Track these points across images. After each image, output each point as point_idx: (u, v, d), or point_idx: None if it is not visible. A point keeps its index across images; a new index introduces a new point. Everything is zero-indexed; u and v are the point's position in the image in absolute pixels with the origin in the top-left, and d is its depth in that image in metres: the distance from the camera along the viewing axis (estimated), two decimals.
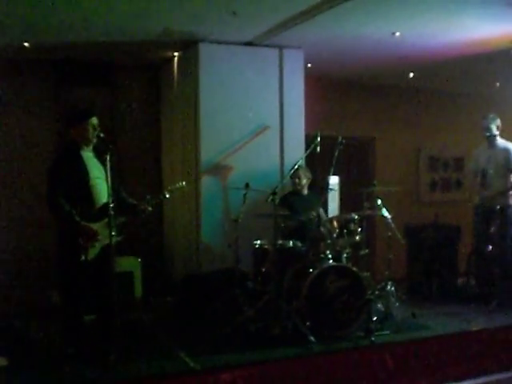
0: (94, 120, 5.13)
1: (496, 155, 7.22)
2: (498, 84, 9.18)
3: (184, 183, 5.69)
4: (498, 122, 7.24)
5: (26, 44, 6.85)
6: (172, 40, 6.92)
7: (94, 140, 5.12)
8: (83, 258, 4.90)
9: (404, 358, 5.34)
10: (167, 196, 5.52)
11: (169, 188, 5.63)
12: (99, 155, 5.14)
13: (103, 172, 5.01)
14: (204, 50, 6.92)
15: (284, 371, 4.93)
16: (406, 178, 9.67)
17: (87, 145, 5.14)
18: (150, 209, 5.37)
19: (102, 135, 5.06)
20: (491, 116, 7.26)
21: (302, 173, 6.75)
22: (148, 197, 5.41)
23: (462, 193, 9.89)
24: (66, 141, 5.51)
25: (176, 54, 7.57)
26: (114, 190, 5.01)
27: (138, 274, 6.71)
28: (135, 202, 5.40)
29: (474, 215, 7.50)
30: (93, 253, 4.97)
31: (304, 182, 6.79)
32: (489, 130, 7.23)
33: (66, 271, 5.11)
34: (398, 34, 6.61)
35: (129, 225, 5.31)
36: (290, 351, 5.30)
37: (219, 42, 6.94)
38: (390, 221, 6.48)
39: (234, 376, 4.71)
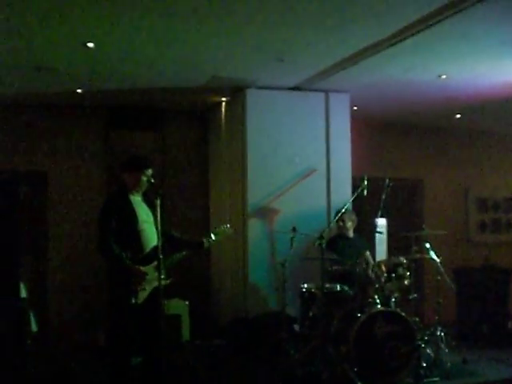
0: (150, 171, 5.19)
1: None
2: None
3: (228, 225, 5.70)
4: None
5: (79, 90, 7.09)
6: (220, 86, 7.06)
7: (145, 188, 5.22)
8: (133, 300, 4.96)
9: None
10: (213, 238, 5.54)
11: (215, 229, 5.64)
12: (148, 199, 5.23)
13: (151, 216, 5.10)
14: (251, 95, 7.05)
15: None
16: (454, 220, 9.58)
17: (137, 190, 5.24)
18: (208, 242, 5.43)
19: (152, 180, 5.15)
20: None
21: (346, 216, 6.73)
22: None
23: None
24: (116, 185, 5.61)
25: (224, 99, 7.71)
26: (163, 235, 5.07)
27: (185, 317, 6.74)
28: (190, 239, 5.46)
29: None
30: (142, 296, 5.02)
31: (349, 225, 6.77)
32: None
33: (116, 314, 5.14)
34: (444, 76, 6.62)
35: (180, 266, 5.36)
36: None
37: (266, 88, 7.06)
38: (438, 264, 6.39)
39: None
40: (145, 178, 5.15)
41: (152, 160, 5.49)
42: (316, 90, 7.24)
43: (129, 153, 6.95)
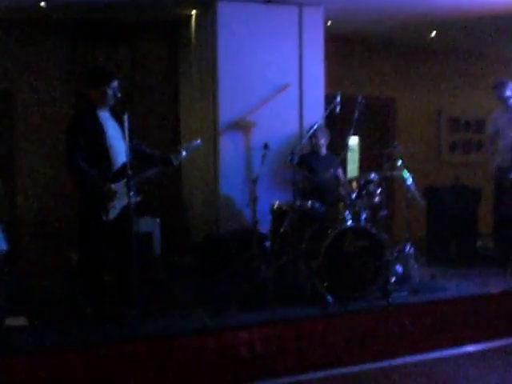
0: (115, 83, 5.08)
1: None
2: None
3: (199, 141, 5.59)
4: (510, 85, 7.16)
5: (42, 4, 6.80)
6: None
7: (112, 102, 5.08)
8: (104, 217, 4.91)
9: (421, 319, 5.36)
10: (184, 154, 5.44)
11: (184, 145, 5.57)
12: (116, 115, 5.12)
13: (120, 132, 5.00)
14: (222, 8, 6.83)
15: (301, 331, 4.96)
16: (426, 139, 9.62)
17: (105, 106, 5.12)
18: (180, 158, 5.37)
19: (119, 95, 5.02)
20: (502, 81, 7.23)
21: (319, 133, 6.69)
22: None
23: (482, 154, 9.79)
24: (83, 101, 5.47)
25: (194, 12, 7.48)
26: (133, 149, 4.99)
27: (157, 234, 6.73)
28: (161, 154, 5.39)
29: (493, 178, 7.43)
30: (113, 213, 4.98)
31: (322, 141, 6.74)
32: (501, 95, 7.19)
33: (87, 231, 5.12)
34: None
35: (150, 183, 5.31)
36: (307, 311, 5.31)
37: (237, 0, 6.85)
38: (409, 182, 6.41)
39: (252, 335, 4.76)
40: (110, 92, 5.01)
41: (119, 75, 5.30)
42: (289, 3, 7.04)
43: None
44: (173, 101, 8.27)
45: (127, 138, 4.85)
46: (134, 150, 5.14)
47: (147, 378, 4.44)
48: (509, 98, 7.17)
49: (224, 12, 6.85)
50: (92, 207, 4.95)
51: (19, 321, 5.11)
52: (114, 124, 5.14)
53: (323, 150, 6.81)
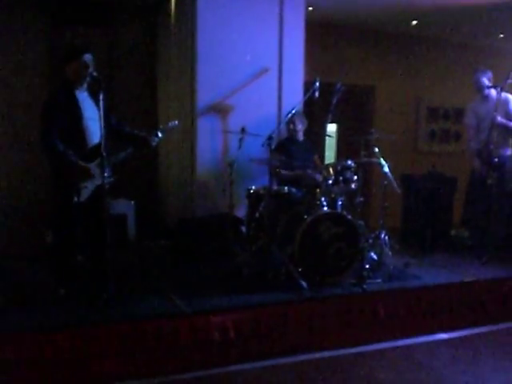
0: (88, 57, 5.01)
1: (491, 106, 7.12)
2: (501, 35, 9.03)
3: (177, 122, 5.58)
4: (489, 74, 7.18)
5: None
6: None
7: (88, 78, 5.01)
8: (76, 198, 4.86)
9: (395, 306, 5.38)
10: (160, 135, 5.41)
11: (161, 127, 5.53)
12: (94, 96, 5.05)
13: (97, 113, 4.93)
14: None
15: (275, 316, 4.96)
16: (404, 128, 9.63)
17: (81, 83, 5.05)
18: (157, 140, 5.34)
19: (95, 74, 4.95)
20: (481, 70, 7.23)
21: (297, 118, 6.68)
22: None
23: (460, 144, 9.84)
24: (60, 79, 5.38)
25: None
26: (111, 128, 4.95)
27: (131, 216, 6.67)
28: (141, 134, 5.35)
29: (471, 168, 7.47)
30: (86, 194, 4.93)
31: (299, 127, 6.73)
32: (478, 83, 7.22)
33: (60, 212, 5.09)
34: None
35: (124, 164, 5.25)
36: (281, 296, 5.30)
37: None
38: (386, 169, 6.42)
39: (225, 319, 4.75)
40: (84, 65, 4.94)
41: (96, 55, 5.22)
42: None
43: None
44: (151, 83, 8.18)
45: (102, 118, 4.79)
46: (113, 129, 5.12)
47: (119, 362, 4.41)
48: (486, 87, 7.18)
49: None
50: (64, 187, 4.90)
51: None
52: (92, 105, 5.09)
53: (300, 136, 6.79)
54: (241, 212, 6.49)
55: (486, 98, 7.25)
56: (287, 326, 4.95)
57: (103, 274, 4.96)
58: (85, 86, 5.10)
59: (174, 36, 7.51)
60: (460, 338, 5.24)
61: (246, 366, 4.63)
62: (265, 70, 7.01)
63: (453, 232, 7.82)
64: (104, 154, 4.79)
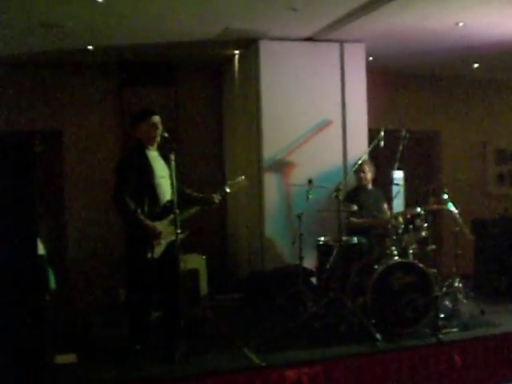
0: (156, 118, 5.20)
1: None
2: None
3: (243, 177, 5.65)
4: None
5: (90, 47, 7.01)
6: (232, 39, 6.96)
7: (158, 139, 5.19)
8: (149, 255, 4.98)
9: (472, 355, 5.24)
10: (228, 191, 5.51)
11: (229, 183, 5.62)
12: (164, 155, 5.21)
13: (167, 171, 5.08)
14: (264, 47, 6.95)
15: (349, 369, 4.91)
16: (472, 172, 9.49)
17: (152, 144, 5.22)
18: (219, 198, 5.42)
19: (166, 135, 5.12)
20: None
21: (366, 167, 6.68)
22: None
23: None
24: (132, 141, 5.60)
25: (237, 52, 7.60)
26: (178, 189, 5.07)
27: (203, 271, 6.74)
28: (202, 195, 5.46)
29: None
30: (159, 250, 5.04)
31: (369, 176, 6.73)
32: None
33: (133, 269, 5.19)
34: (461, 24, 6.46)
35: (195, 221, 5.35)
36: (355, 348, 5.23)
37: (279, 39, 6.94)
38: (456, 215, 6.33)
39: (299, 373, 4.72)
40: (153, 126, 5.13)
41: (164, 114, 5.42)
42: (330, 41, 7.11)
43: None
44: (217, 139, 8.38)
45: (174, 177, 4.94)
46: (177, 191, 5.23)
47: None
48: None
49: (266, 50, 6.96)
50: (138, 245, 5.02)
51: (69, 358, 5.16)
52: (162, 163, 5.23)
53: (369, 185, 6.79)
54: (311, 264, 6.49)
55: None
56: (362, 378, 4.89)
57: (177, 330, 5.03)
58: (155, 145, 5.26)
59: (239, 93, 7.70)
60: None
61: None
62: (328, 123, 7.09)
63: None
64: (176, 210, 4.92)
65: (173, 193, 4.99)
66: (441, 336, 5.46)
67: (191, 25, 6.38)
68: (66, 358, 5.14)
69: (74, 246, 7.74)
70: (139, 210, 4.99)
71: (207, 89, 8.37)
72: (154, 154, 5.25)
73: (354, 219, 6.44)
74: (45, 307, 4.77)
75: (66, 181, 7.80)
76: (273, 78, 6.96)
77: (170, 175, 4.99)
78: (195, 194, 5.53)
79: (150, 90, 8.00)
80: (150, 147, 5.23)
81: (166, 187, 5.14)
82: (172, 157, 4.96)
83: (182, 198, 5.31)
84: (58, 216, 7.74)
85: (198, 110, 8.29)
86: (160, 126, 5.20)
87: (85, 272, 7.65)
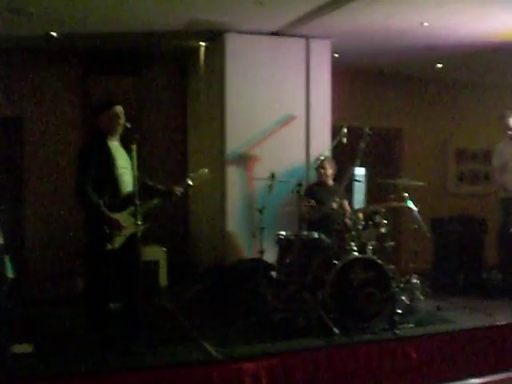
0: (118, 108, 5.14)
1: None
2: None
3: (206, 170, 5.60)
4: None
5: (53, 34, 6.91)
6: (198, 30, 6.92)
7: (120, 129, 5.14)
8: (109, 246, 4.94)
9: (427, 351, 5.33)
10: (190, 183, 5.46)
11: (191, 175, 5.57)
12: (126, 145, 5.17)
13: (129, 162, 5.04)
14: (230, 40, 6.93)
15: (307, 362, 4.94)
16: (433, 170, 9.61)
17: (113, 134, 5.16)
18: (181, 190, 5.38)
19: (128, 125, 5.08)
20: (506, 112, 7.25)
21: (327, 163, 6.73)
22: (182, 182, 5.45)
23: (489, 186, 9.78)
24: (92, 130, 5.54)
25: (203, 44, 7.57)
26: (139, 180, 5.03)
27: (163, 263, 6.73)
28: (164, 188, 5.42)
29: (499, 209, 7.43)
30: (119, 241, 5.00)
31: (329, 172, 6.77)
32: (504, 125, 7.24)
33: (93, 259, 5.14)
34: (426, 24, 6.54)
35: (156, 212, 5.32)
36: (313, 342, 5.27)
37: (245, 32, 6.93)
38: (416, 213, 6.42)
39: (257, 366, 4.74)
40: (115, 117, 5.08)
41: (128, 104, 5.37)
42: (297, 36, 7.13)
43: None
44: (181, 131, 8.34)
45: (135, 168, 4.90)
46: (140, 182, 5.18)
47: None
48: (509, 127, 7.19)
49: (232, 44, 6.94)
50: (98, 236, 4.97)
51: (25, 348, 5.10)
52: (124, 154, 5.18)
53: (330, 181, 6.84)
54: (271, 258, 6.52)
55: None
56: (319, 372, 4.93)
57: (135, 321, 5.01)
58: (117, 136, 5.21)
59: (203, 86, 7.67)
60: (493, 383, 5.15)
61: None
62: (292, 118, 7.12)
63: (484, 275, 7.72)
64: (137, 202, 4.89)
65: (134, 184, 4.96)
66: (397, 331, 5.54)
67: (157, 14, 6.32)
68: (22, 348, 5.08)
69: (33, 235, 7.64)
70: (101, 202, 4.94)
71: (172, 80, 8.33)
72: (115, 145, 5.19)
73: (312, 215, 6.46)
74: (1, 296, 4.72)
75: (26, 168, 7.68)
76: (238, 72, 6.95)
77: (132, 166, 4.95)
78: (157, 185, 5.48)
79: (114, 78, 7.92)
80: (112, 137, 5.17)
81: (127, 178, 5.09)
82: (134, 147, 4.92)
83: (144, 189, 5.25)
84: (17, 204, 7.62)
85: (162, 101, 8.24)
86: (122, 116, 5.15)
87: (43, 261, 7.56)
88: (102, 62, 7.85)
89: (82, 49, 7.71)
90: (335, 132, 6.73)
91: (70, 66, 7.83)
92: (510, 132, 7.26)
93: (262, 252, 6.31)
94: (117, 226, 4.94)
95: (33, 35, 7.00)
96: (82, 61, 7.83)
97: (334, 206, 6.44)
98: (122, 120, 5.13)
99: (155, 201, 5.28)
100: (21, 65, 7.63)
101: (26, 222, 7.66)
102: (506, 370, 5.37)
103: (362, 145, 6.24)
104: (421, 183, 6.71)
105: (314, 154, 7.05)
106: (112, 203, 5.00)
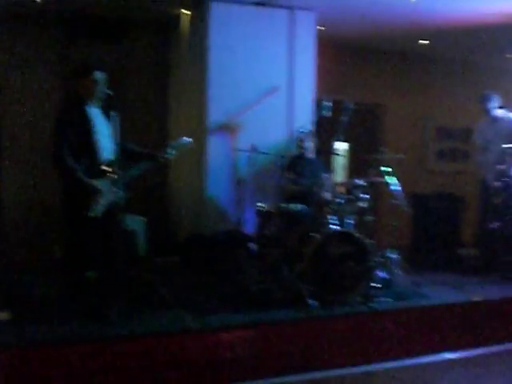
0: (99, 74, 5.03)
1: (500, 128, 7.18)
2: (509, 55, 9.07)
3: (190, 139, 5.52)
4: (496, 97, 7.25)
5: None
6: None
7: (100, 96, 5.04)
8: (89, 213, 4.88)
9: (403, 325, 5.37)
10: (170, 151, 5.38)
11: (173, 143, 5.49)
12: (106, 112, 5.09)
13: (109, 129, 4.97)
14: (214, 8, 6.84)
15: (283, 334, 4.96)
16: (414, 147, 9.63)
17: (92, 100, 5.06)
18: (165, 156, 5.31)
19: (109, 92, 5.00)
20: (485, 94, 7.28)
21: (307, 137, 6.71)
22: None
23: (469, 163, 9.83)
24: (71, 95, 5.43)
25: (186, 12, 7.47)
26: (120, 147, 4.96)
27: (142, 232, 6.69)
28: (148, 151, 5.34)
29: (480, 188, 7.47)
30: (99, 209, 4.95)
31: (307, 145, 6.75)
32: (485, 107, 7.28)
33: (71, 227, 5.09)
34: None
35: (136, 181, 5.27)
36: (290, 314, 5.30)
37: (230, 1, 6.85)
38: (396, 188, 6.42)
39: (234, 336, 4.75)
40: (96, 83, 4.98)
41: (109, 72, 5.25)
42: (281, 7, 7.05)
43: None
44: (162, 99, 8.25)
45: (115, 136, 4.83)
46: (121, 148, 5.11)
47: (128, 377, 4.41)
48: (493, 110, 7.23)
49: (216, 12, 6.86)
50: (77, 203, 4.91)
51: (2, 315, 5.06)
52: (103, 121, 5.08)
53: (310, 154, 6.82)
54: (250, 229, 6.51)
55: (494, 119, 7.28)
56: (295, 344, 4.95)
57: (113, 290, 4.99)
58: (97, 102, 5.12)
59: (186, 54, 7.58)
60: (468, 358, 5.20)
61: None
62: (274, 89, 7.06)
63: (462, 251, 7.79)
64: (116, 170, 4.83)
65: (114, 152, 4.89)
66: (373, 305, 5.58)
67: None
68: None
69: (10, 202, 7.55)
70: (78, 168, 4.87)
71: (155, 47, 8.22)
72: (95, 111, 5.08)
73: (292, 188, 6.44)
74: None
75: (3, 135, 7.56)
76: (221, 41, 6.87)
77: (112, 133, 4.88)
78: (141, 149, 5.38)
79: (96, 45, 7.79)
80: (91, 104, 5.07)
81: (106, 145, 5.01)
82: (114, 114, 4.84)
83: (127, 155, 5.19)
84: None
85: (144, 69, 8.14)
86: (103, 83, 5.06)
87: (20, 228, 7.49)
88: (83, 27, 7.72)
89: (64, 14, 7.54)
90: (319, 105, 6.69)
91: (52, 32, 7.69)
92: (489, 114, 7.28)
93: (241, 223, 6.30)
94: (94, 191, 4.87)
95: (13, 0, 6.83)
96: (63, 26, 7.68)
97: (315, 179, 6.43)
98: (103, 87, 5.03)
99: (138, 168, 5.20)
100: (1, 29, 7.46)
101: (3, 190, 7.56)
102: (481, 346, 5.43)
103: (344, 119, 6.23)
104: (400, 156, 6.72)
105: (296, 126, 7.01)
106: (91, 170, 4.93)
